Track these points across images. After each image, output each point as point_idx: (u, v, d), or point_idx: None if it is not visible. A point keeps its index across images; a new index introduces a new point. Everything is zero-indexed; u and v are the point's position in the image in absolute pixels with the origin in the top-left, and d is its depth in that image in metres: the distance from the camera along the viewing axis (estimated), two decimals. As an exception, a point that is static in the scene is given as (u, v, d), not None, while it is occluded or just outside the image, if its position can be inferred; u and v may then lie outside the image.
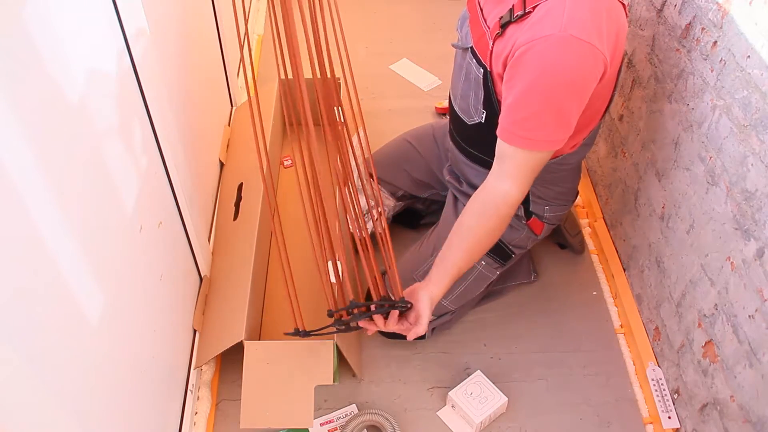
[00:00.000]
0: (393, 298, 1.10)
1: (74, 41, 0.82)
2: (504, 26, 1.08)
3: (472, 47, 1.19)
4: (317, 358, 1.22)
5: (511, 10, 1.07)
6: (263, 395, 1.21)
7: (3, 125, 0.63)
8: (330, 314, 1.09)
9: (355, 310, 1.08)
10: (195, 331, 1.38)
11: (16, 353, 0.64)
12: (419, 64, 2.22)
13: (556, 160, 1.26)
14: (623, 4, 1.08)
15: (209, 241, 1.53)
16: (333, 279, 1.14)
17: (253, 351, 1.23)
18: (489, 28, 1.13)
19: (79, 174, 0.82)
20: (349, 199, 1.23)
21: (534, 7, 1.03)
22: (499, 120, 1.10)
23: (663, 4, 1.35)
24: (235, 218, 1.53)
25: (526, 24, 1.03)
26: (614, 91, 1.20)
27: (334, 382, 1.20)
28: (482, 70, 1.16)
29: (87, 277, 0.82)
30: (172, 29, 1.31)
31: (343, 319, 1.09)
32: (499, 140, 1.11)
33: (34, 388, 0.68)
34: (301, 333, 1.14)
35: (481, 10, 1.18)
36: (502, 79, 1.12)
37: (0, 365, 0.61)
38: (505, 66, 1.08)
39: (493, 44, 1.11)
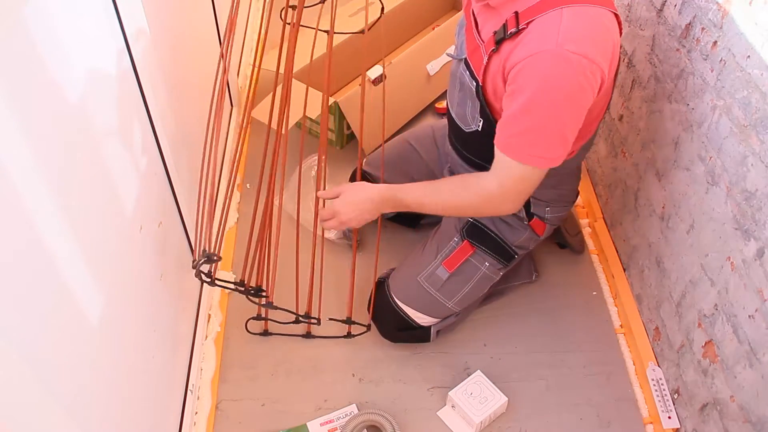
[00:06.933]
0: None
1: (74, 41, 0.82)
2: (498, 42, 1.07)
3: (466, 59, 1.18)
4: None
5: (505, 26, 1.06)
6: None
7: (3, 125, 0.63)
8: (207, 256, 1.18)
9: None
10: (195, 331, 1.38)
11: (16, 353, 0.64)
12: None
13: None
14: (616, 15, 1.08)
15: (209, 241, 1.53)
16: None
17: None
18: (483, 42, 1.13)
19: (79, 174, 0.82)
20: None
21: (528, 23, 1.02)
22: (497, 129, 1.10)
23: (663, 4, 1.35)
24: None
25: (522, 40, 1.03)
26: (610, 97, 1.20)
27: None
28: (475, 83, 1.15)
29: (87, 277, 0.82)
30: (172, 29, 1.31)
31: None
32: (496, 149, 1.11)
33: (34, 388, 0.68)
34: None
35: (476, 20, 1.17)
36: (494, 94, 1.12)
37: (0, 365, 0.61)
38: (502, 82, 1.09)
39: (488, 60, 1.11)
